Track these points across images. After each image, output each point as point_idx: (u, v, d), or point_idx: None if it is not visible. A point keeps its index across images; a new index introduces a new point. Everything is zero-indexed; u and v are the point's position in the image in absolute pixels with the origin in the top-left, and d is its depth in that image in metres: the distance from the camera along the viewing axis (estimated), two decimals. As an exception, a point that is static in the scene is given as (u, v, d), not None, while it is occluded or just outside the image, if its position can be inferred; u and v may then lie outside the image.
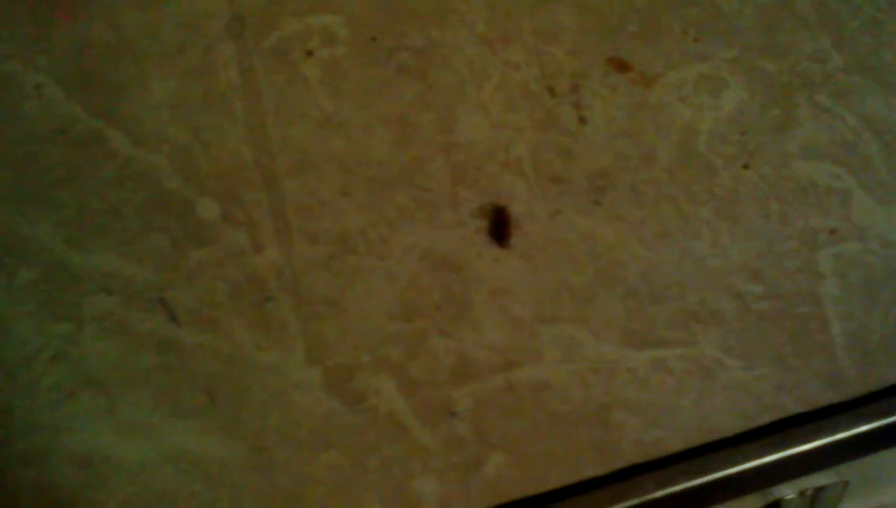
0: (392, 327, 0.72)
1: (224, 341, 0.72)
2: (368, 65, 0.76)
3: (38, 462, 0.65)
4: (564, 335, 0.75)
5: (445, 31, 0.78)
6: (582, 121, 0.80)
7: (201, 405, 0.70)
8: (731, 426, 0.74)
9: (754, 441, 0.73)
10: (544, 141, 0.78)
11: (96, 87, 0.74)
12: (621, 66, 0.81)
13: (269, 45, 0.77)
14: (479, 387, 0.73)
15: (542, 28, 0.80)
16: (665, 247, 0.77)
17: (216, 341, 0.72)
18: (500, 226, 0.75)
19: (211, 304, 0.73)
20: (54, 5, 0.75)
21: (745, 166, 0.80)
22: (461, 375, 0.72)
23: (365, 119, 0.75)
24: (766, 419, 0.73)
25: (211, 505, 0.67)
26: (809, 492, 0.76)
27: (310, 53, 0.78)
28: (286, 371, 0.72)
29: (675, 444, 0.74)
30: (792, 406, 0.74)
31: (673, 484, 0.70)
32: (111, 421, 0.68)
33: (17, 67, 0.73)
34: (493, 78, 0.78)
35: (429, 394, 0.72)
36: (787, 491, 0.77)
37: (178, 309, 0.73)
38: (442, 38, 0.78)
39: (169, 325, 0.72)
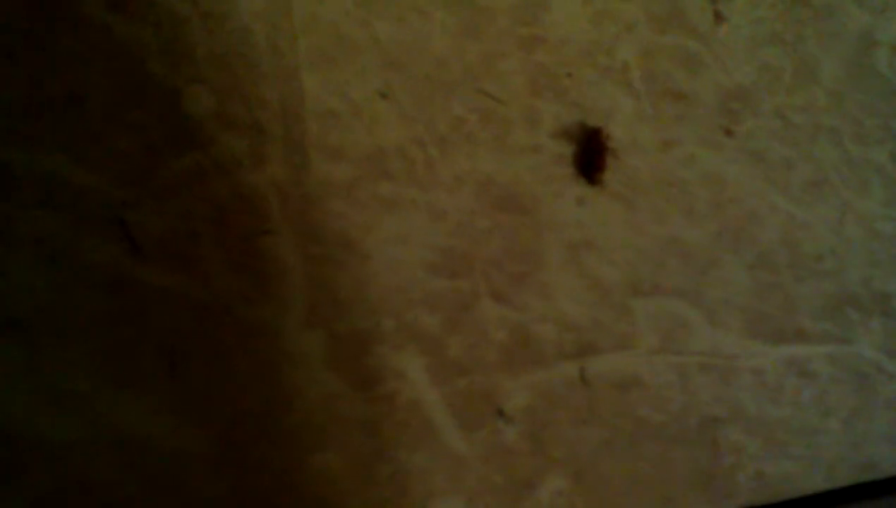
0: (429, 284, 0.57)
1: (199, 286, 0.55)
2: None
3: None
4: (667, 314, 0.58)
5: None
6: (718, 17, 0.61)
7: (158, 373, 0.53)
8: (893, 461, 0.58)
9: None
10: (663, 43, 0.61)
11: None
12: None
13: None
14: (541, 378, 0.57)
15: None
16: (819, 201, 0.60)
17: (188, 285, 0.55)
18: (591, 156, 0.59)
19: (187, 234, 0.55)
20: None
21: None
22: (518, 359, 0.57)
23: None
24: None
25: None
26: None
27: None
28: (279, 334, 0.55)
29: (814, 482, 0.58)
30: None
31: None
32: (31, 383, 0.52)
33: None
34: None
35: (470, 382, 0.56)
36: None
37: (143, 236, 0.55)
38: None
39: (127, 258, 0.55)
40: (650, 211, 0.59)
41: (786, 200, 0.60)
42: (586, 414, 0.56)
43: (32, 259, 0.54)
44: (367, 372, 0.55)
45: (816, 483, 0.58)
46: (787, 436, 0.58)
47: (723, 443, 0.57)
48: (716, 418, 0.58)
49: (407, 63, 0.59)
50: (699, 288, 0.58)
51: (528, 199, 0.59)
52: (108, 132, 0.56)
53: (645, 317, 0.58)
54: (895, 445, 0.58)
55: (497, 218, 0.58)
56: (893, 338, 0.59)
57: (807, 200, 0.60)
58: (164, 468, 0.53)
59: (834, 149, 0.61)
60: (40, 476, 0.51)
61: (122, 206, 0.56)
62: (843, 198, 0.61)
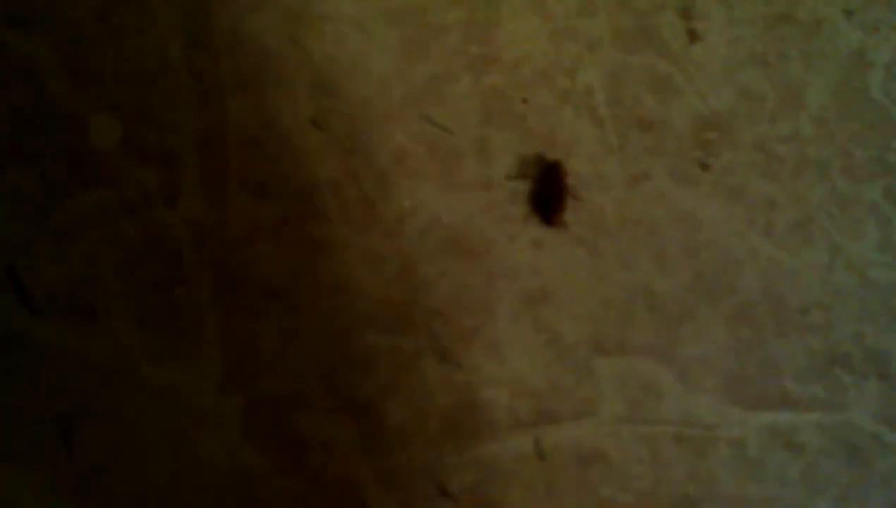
0: (364, 340, 0.52)
1: (100, 344, 0.50)
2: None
3: None
4: (634, 375, 0.53)
5: None
6: (692, 36, 0.55)
7: (51, 447, 0.48)
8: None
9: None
10: (631, 63, 0.55)
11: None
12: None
13: None
14: (490, 451, 0.52)
15: None
16: (805, 245, 0.55)
17: (88, 343, 0.50)
18: (549, 193, 0.54)
19: (88, 283, 0.50)
20: None
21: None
22: (464, 429, 0.52)
23: (362, 11, 0.54)
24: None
25: None
26: None
27: None
28: (190, 399, 0.50)
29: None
30: None
31: None
32: None
33: None
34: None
35: (410, 456, 0.51)
36: None
37: (36, 286, 0.50)
38: None
39: (17, 311, 0.50)
40: (615, 256, 0.55)
41: (768, 244, 0.55)
42: (542, 493, 0.52)
43: None
44: (291, 443, 0.50)
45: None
46: (771, 519, 0.53)
47: None
48: (690, 497, 0.52)
49: (343, 86, 0.55)
50: (671, 346, 0.54)
51: (479, 243, 0.54)
52: (5, 163, 0.52)
53: (609, 380, 0.53)
54: (893, 527, 0.52)
55: (443, 264, 0.53)
56: (891, 404, 0.54)
57: (791, 244, 0.55)
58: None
59: (822, 186, 0.56)
60: None
61: (13, 251, 0.52)
62: (832, 241, 0.55)
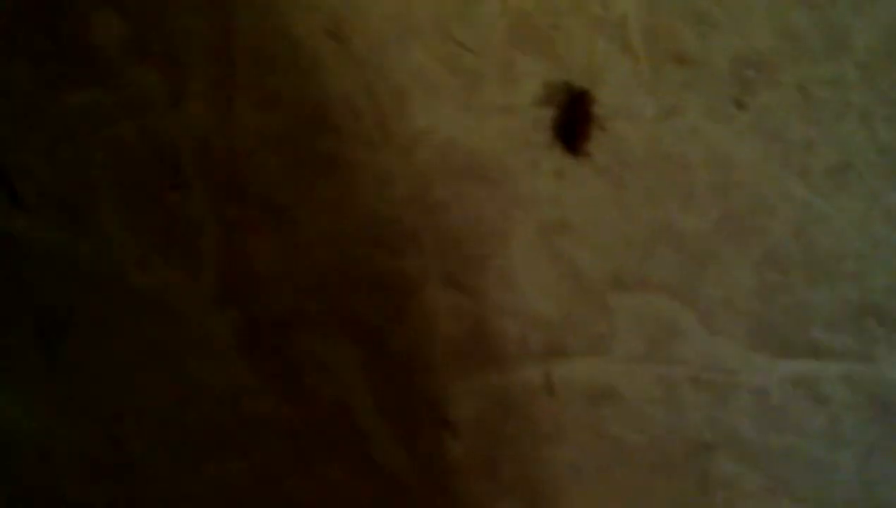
0: (372, 261, 0.49)
1: (89, 246, 0.47)
2: None
3: None
4: (654, 314, 0.51)
5: None
6: None
7: (29, 350, 0.46)
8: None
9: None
10: None
11: None
12: None
13: None
14: (497, 383, 0.50)
15: None
16: (842, 191, 0.52)
17: (76, 244, 0.47)
18: (574, 122, 0.51)
19: (80, 183, 0.48)
20: None
21: None
22: (471, 358, 0.50)
23: None
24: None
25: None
26: None
27: None
28: (182, 311, 0.48)
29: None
30: None
31: None
32: None
33: None
34: None
35: (411, 383, 0.49)
36: None
37: (24, 183, 0.48)
38: None
39: (3, 207, 0.48)
40: (641, 191, 0.52)
41: (803, 187, 0.54)
42: (550, 430, 0.51)
43: None
44: (287, 364, 0.50)
45: (824, 531, 0.53)
46: (790, 471, 0.52)
47: (713, 475, 0.51)
48: (707, 444, 0.51)
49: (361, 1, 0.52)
50: (694, 286, 0.52)
51: (497, 169, 0.52)
52: None
53: (627, 317, 0.51)
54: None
55: (457, 188, 0.52)
56: (924, 360, 0.53)
57: (828, 189, 0.53)
58: (29, 471, 0.44)
59: (863, 132, 0.54)
60: None
61: (2, 146, 0.50)
62: (870, 188, 0.54)
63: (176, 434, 0.47)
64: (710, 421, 0.52)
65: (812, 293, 0.53)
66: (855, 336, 0.53)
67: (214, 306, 0.48)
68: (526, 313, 0.51)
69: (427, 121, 0.52)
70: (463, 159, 0.52)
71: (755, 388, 0.52)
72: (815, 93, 0.55)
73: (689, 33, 0.54)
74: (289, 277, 0.49)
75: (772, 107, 0.54)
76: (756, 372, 0.52)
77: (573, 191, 0.53)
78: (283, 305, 0.49)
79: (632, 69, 0.54)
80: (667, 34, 0.54)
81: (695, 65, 0.54)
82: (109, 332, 0.48)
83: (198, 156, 0.50)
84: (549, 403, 0.51)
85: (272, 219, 0.50)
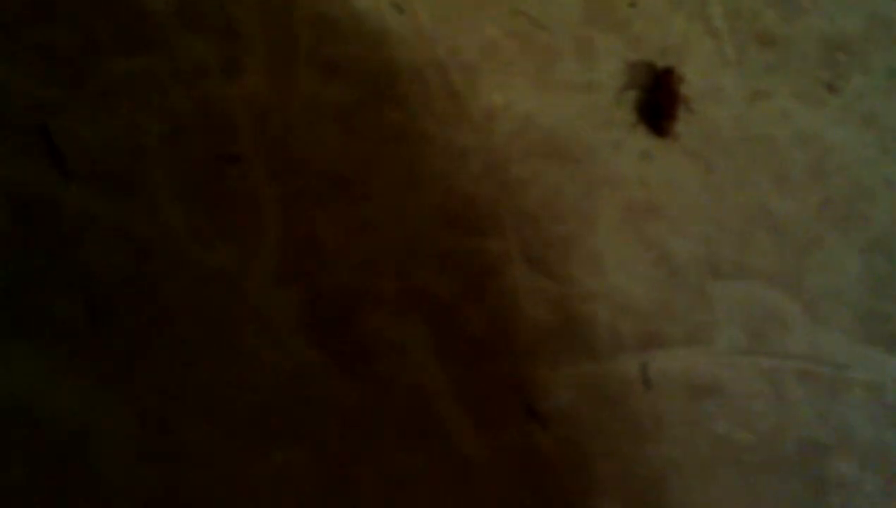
0: (446, 238, 0.48)
1: (139, 216, 0.47)
2: None
3: None
4: (755, 302, 0.50)
5: None
6: None
7: (74, 322, 0.45)
8: None
9: None
10: None
11: None
12: None
13: None
14: (588, 372, 0.48)
15: None
16: None
17: (125, 214, 0.47)
18: (659, 102, 0.51)
19: (130, 151, 0.47)
20: None
21: None
22: (559, 345, 0.48)
23: None
24: None
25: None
26: None
27: None
28: (240, 287, 0.46)
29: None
30: None
31: None
32: None
33: None
34: None
35: (494, 368, 0.47)
36: None
37: (70, 148, 0.47)
38: None
39: (47, 173, 0.47)
40: (732, 174, 0.51)
41: None
42: (648, 425, 0.48)
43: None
44: (354, 343, 0.47)
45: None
46: (914, 477, 0.48)
47: (828, 476, 0.48)
48: (819, 443, 0.48)
49: None
50: (797, 275, 0.50)
51: (578, 147, 0.51)
52: (38, 17, 0.49)
53: (727, 305, 0.49)
54: None
55: (536, 166, 0.50)
56: None
57: None
58: (70, 450, 0.43)
59: None
60: None
61: (46, 109, 0.48)
62: None
63: (232, 418, 0.46)
64: (822, 418, 0.49)
65: (927, 283, 0.51)
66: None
67: (275, 282, 0.46)
68: (617, 300, 0.48)
69: (501, 97, 0.51)
70: (541, 137, 0.50)
71: (868, 384, 0.49)
72: (909, 80, 0.53)
73: (772, 14, 0.54)
74: (354, 253, 0.47)
75: (865, 92, 0.54)
76: (868, 367, 0.50)
77: (660, 173, 0.51)
78: (348, 282, 0.47)
79: (715, 49, 0.54)
80: (749, 14, 0.54)
81: (781, 47, 0.54)
82: (162, 307, 0.46)
83: (256, 127, 0.49)
84: (646, 396, 0.47)
85: (336, 192, 0.49)
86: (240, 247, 0.46)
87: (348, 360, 0.45)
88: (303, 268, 0.46)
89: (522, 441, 0.46)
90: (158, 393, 0.44)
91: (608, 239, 0.49)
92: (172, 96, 0.48)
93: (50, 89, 0.47)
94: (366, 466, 0.44)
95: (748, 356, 0.48)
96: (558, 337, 0.47)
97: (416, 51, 0.51)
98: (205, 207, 0.46)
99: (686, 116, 0.52)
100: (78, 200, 0.46)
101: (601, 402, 0.47)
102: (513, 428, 0.46)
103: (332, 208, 0.47)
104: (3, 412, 0.43)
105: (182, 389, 0.44)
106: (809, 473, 0.47)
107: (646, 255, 0.49)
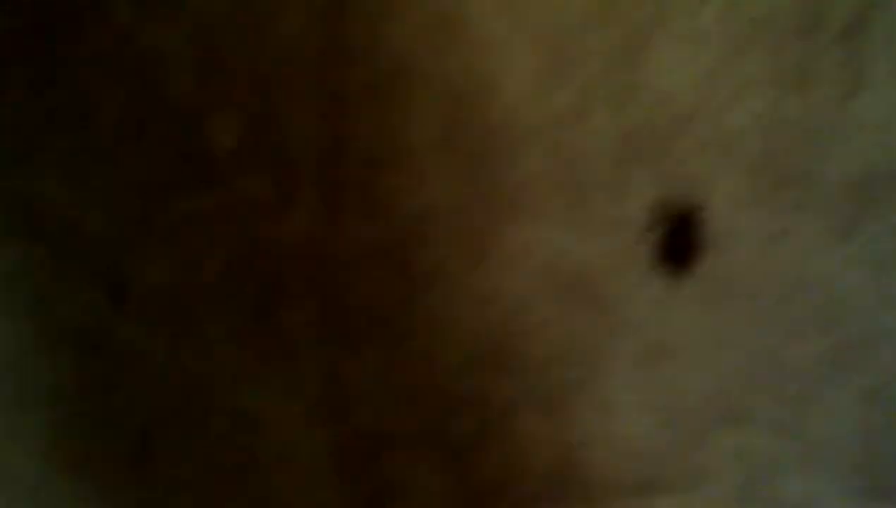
0: (463, 380, 0.51)
1: (192, 353, 0.51)
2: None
3: None
4: (756, 449, 0.52)
5: None
6: (855, 84, 0.52)
7: (127, 458, 0.49)
8: None
9: None
10: (787, 110, 0.53)
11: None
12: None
13: None
14: None
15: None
16: None
17: (180, 351, 0.51)
18: (682, 241, 0.53)
19: (188, 288, 0.51)
20: None
21: None
22: (561, 488, 0.51)
23: (507, 27, 0.53)
24: None
25: None
26: None
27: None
28: (277, 425, 0.51)
29: None
30: None
31: None
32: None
33: None
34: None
35: None
36: None
37: (134, 285, 0.52)
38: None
39: (110, 311, 0.51)
40: (748, 315, 0.53)
41: None
42: None
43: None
44: (377, 480, 0.51)
45: None
46: None
47: None
48: None
49: (474, 106, 0.54)
50: (798, 421, 0.53)
51: (601, 285, 0.53)
52: (114, 156, 0.53)
53: (726, 452, 0.52)
54: None
55: (557, 308, 0.53)
56: None
57: None
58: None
59: None
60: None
61: (115, 247, 0.51)
62: None
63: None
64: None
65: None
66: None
67: (309, 423, 0.52)
68: (620, 443, 0.51)
69: (532, 234, 0.54)
70: (566, 278, 0.53)
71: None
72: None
73: (802, 151, 0.55)
74: (384, 396, 0.52)
75: (884, 235, 0.55)
76: (858, 517, 0.52)
77: (678, 316, 0.53)
78: (373, 424, 0.52)
79: (742, 187, 0.54)
80: (781, 153, 0.55)
81: (806, 185, 0.55)
82: (201, 441, 0.51)
83: (304, 269, 0.54)
84: (639, 540, 0.51)
85: (372, 333, 0.53)
86: (281, 387, 0.50)
87: (370, 501, 0.49)
88: (336, 411, 0.50)
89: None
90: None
91: (623, 381, 0.52)
92: (230, 235, 0.51)
93: (120, 226, 0.51)
94: None
95: (742, 504, 0.51)
96: (561, 480, 0.51)
97: (454, 186, 0.53)
98: (254, 347, 0.50)
99: (707, 256, 0.53)
100: (136, 336, 0.50)
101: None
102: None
103: (366, 351, 0.51)
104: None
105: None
106: None
107: (654, 400, 0.52)
